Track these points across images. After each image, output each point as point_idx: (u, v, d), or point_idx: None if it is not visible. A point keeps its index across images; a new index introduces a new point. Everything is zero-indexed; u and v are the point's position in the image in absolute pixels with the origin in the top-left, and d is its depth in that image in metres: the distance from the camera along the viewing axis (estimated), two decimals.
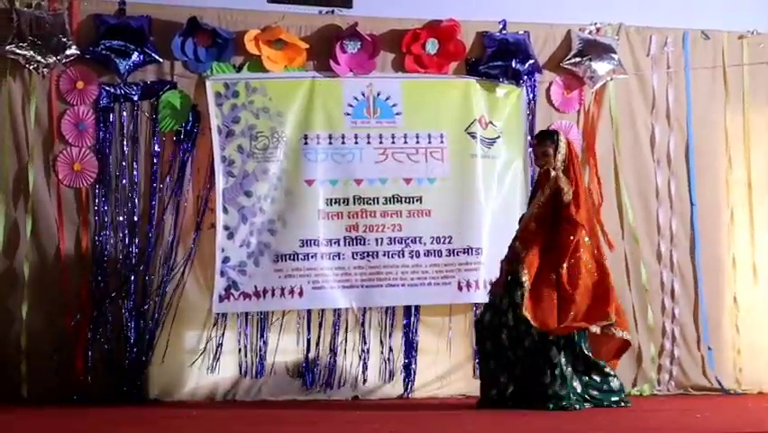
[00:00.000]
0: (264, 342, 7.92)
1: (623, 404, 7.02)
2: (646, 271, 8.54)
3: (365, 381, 8.05)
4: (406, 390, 8.12)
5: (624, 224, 8.53)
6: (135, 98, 7.83)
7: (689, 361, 8.59)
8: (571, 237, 6.95)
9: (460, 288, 8.17)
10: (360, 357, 8.06)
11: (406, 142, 8.16)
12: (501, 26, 8.38)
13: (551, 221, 7.03)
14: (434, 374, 8.17)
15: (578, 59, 8.40)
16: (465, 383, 8.17)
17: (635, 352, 8.37)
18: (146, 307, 7.75)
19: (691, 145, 8.70)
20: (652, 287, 8.56)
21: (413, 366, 8.12)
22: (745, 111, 8.76)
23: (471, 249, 8.18)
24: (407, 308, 8.14)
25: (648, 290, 8.54)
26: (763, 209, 8.75)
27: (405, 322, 8.13)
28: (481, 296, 8.12)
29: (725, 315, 8.65)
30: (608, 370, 7.07)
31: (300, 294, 7.87)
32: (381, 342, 8.10)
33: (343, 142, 8.05)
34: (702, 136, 8.72)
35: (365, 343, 8.07)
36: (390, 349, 8.11)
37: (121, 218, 7.78)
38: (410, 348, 8.13)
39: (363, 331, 8.08)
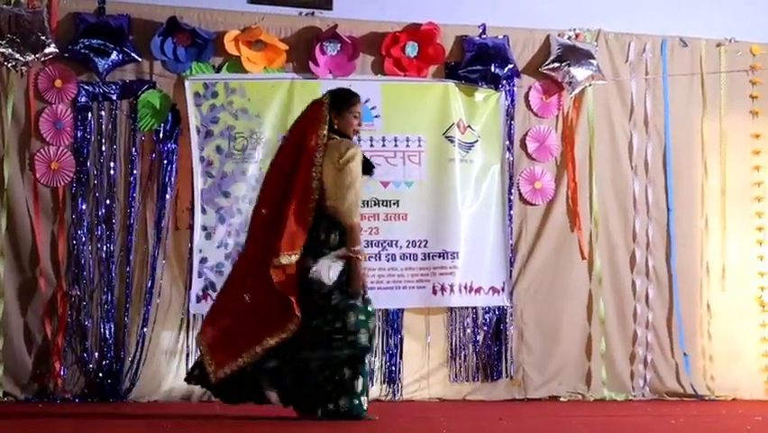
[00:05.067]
0: None
1: None
2: (621, 278, 8.79)
3: None
4: (384, 393, 8.28)
5: (599, 229, 8.73)
6: (114, 97, 7.98)
7: (664, 367, 8.80)
8: None
9: (435, 292, 8.36)
10: None
11: (384, 146, 8.34)
12: (481, 30, 8.55)
13: None
14: (413, 378, 8.35)
15: (557, 65, 8.58)
16: (442, 387, 8.40)
17: (609, 357, 8.65)
18: (124, 306, 7.91)
19: (669, 152, 8.90)
20: (626, 293, 8.78)
21: (392, 369, 8.30)
22: (722, 118, 8.97)
23: (447, 253, 8.37)
24: (388, 311, 8.31)
25: (622, 296, 8.78)
26: (736, 217, 8.98)
27: (385, 325, 8.31)
28: (457, 300, 8.36)
29: (697, 321, 8.87)
30: None
31: None
32: None
33: None
34: (680, 143, 8.92)
35: None
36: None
37: (98, 217, 7.92)
38: (390, 351, 8.32)
39: None
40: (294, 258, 6.27)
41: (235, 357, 6.33)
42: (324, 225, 6.35)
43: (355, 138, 6.67)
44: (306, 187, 6.31)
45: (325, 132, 6.39)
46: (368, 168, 6.54)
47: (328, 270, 6.29)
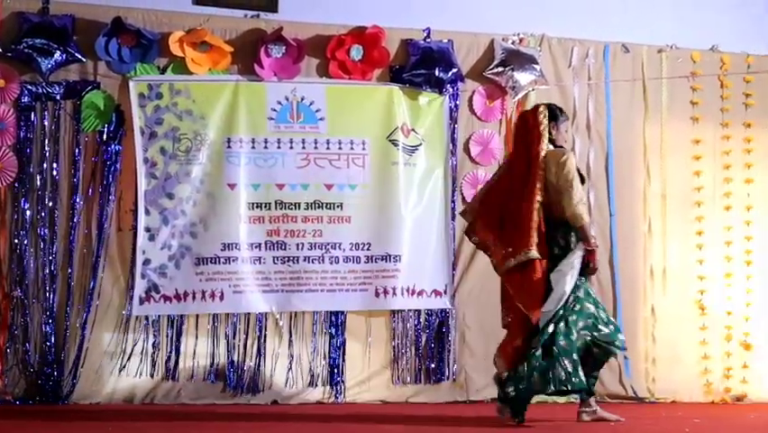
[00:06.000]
0: (184, 345, 8.10)
1: None
2: None
3: (286, 385, 8.25)
4: (326, 395, 8.33)
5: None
6: (58, 98, 7.99)
7: (605, 369, 8.69)
8: None
9: (377, 294, 8.43)
10: (281, 362, 8.26)
11: (328, 148, 8.39)
12: (425, 34, 8.63)
13: None
14: (355, 380, 8.40)
15: (500, 69, 8.67)
16: (385, 389, 8.46)
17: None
18: (65, 308, 7.91)
19: (611, 156, 9.01)
20: None
21: (334, 372, 8.35)
22: (663, 124, 9.10)
23: (390, 256, 8.44)
24: (330, 313, 8.37)
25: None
26: (677, 221, 9.10)
27: (328, 327, 8.37)
28: (399, 303, 8.44)
29: (640, 324, 8.97)
30: None
31: (221, 298, 8.08)
32: (304, 347, 8.33)
33: (266, 147, 8.27)
34: (622, 148, 9.04)
35: (287, 348, 8.28)
36: (312, 354, 8.34)
37: (40, 218, 7.91)
38: (333, 354, 8.37)
39: (286, 336, 8.28)
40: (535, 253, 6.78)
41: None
42: (553, 228, 6.85)
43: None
44: (534, 191, 6.82)
45: (547, 141, 6.96)
46: (581, 179, 7.03)
47: (569, 279, 6.78)
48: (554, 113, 7.06)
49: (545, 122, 6.97)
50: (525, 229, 6.77)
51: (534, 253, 6.74)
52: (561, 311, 6.75)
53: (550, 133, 6.98)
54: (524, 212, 6.81)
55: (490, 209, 7.10)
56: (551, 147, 6.96)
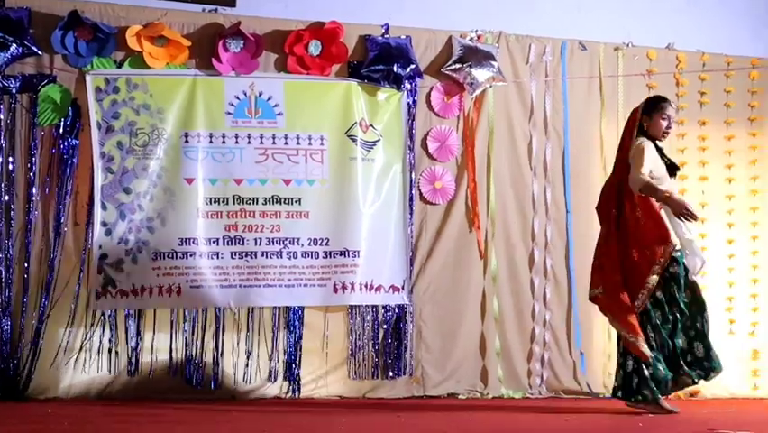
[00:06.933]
0: (141, 340, 8.09)
1: None
2: (519, 277, 8.96)
3: (244, 380, 8.28)
4: (284, 390, 8.36)
5: (497, 229, 8.89)
6: (13, 91, 7.94)
7: (561, 365, 8.97)
8: None
9: (335, 290, 8.44)
10: (239, 357, 8.27)
11: (286, 143, 8.41)
12: (384, 30, 8.67)
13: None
14: (312, 375, 8.44)
15: (458, 66, 8.73)
16: (342, 384, 8.50)
17: (506, 356, 8.83)
18: (21, 302, 7.88)
19: (567, 153, 9.09)
20: (524, 292, 8.96)
21: (292, 367, 8.38)
22: (620, 121, 9.01)
23: (348, 251, 8.46)
24: (288, 309, 8.39)
25: (520, 295, 8.95)
26: None
27: (286, 323, 8.39)
28: (357, 298, 8.48)
29: (596, 321, 8.97)
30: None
31: (178, 293, 8.08)
32: (263, 342, 8.34)
33: (224, 142, 8.28)
34: (578, 145, 9.12)
35: (245, 343, 8.29)
36: (270, 349, 8.36)
37: None
38: (290, 349, 8.39)
39: (244, 331, 8.30)
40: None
41: None
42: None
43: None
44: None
45: (635, 134, 7.42)
46: (672, 169, 7.54)
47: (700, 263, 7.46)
48: (647, 106, 7.53)
49: (638, 116, 7.49)
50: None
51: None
52: None
53: (642, 126, 7.45)
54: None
55: None
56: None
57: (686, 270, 7.36)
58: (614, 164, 7.67)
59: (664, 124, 7.47)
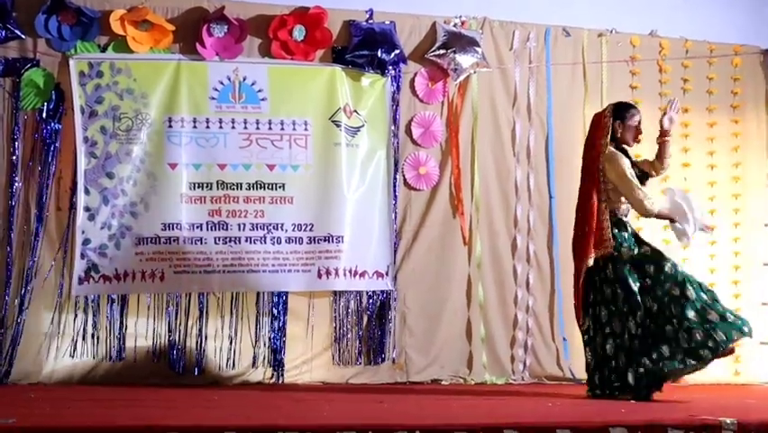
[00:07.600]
0: (124, 326, 8.10)
1: None
2: (502, 263, 8.98)
3: (228, 366, 8.29)
4: (267, 375, 8.37)
5: (481, 215, 8.92)
6: None
7: (544, 351, 9.02)
8: None
9: (320, 275, 8.45)
10: (223, 342, 8.29)
11: (270, 129, 8.41)
12: (368, 15, 8.67)
13: None
14: (296, 361, 8.45)
15: (442, 51, 8.74)
16: (325, 370, 8.52)
17: (490, 342, 8.85)
18: (4, 288, 7.87)
19: (551, 140, 9.12)
20: (507, 278, 8.98)
21: (276, 352, 8.39)
22: (603, 107, 9.01)
23: (332, 237, 8.47)
24: (272, 294, 8.39)
25: (503, 281, 8.97)
26: None
27: (269, 308, 8.39)
28: (341, 284, 8.48)
29: None
30: None
31: (161, 278, 8.08)
32: (246, 328, 8.34)
33: (208, 127, 8.27)
34: (562, 131, 9.14)
35: (229, 328, 8.31)
36: (254, 335, 8.36)
37: None
38: (274, 334, 8.40)
39: (227, 316, 8.31)
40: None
41: None
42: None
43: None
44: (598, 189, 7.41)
45: (607, 141, 7.40)
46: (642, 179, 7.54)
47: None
48: (618, 110, 7.50)
49: (609, 122, 7.43)
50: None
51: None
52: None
53: (615, 132, 7.42)
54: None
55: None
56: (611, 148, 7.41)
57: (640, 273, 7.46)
58: (582, 168, 7.63)
59: (636, 131, 7.51)
